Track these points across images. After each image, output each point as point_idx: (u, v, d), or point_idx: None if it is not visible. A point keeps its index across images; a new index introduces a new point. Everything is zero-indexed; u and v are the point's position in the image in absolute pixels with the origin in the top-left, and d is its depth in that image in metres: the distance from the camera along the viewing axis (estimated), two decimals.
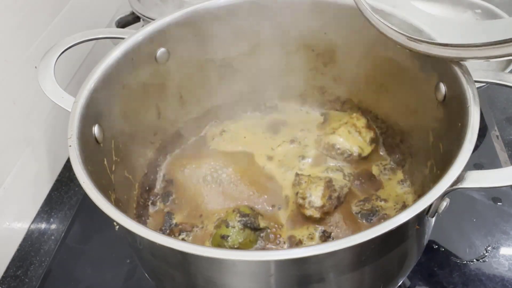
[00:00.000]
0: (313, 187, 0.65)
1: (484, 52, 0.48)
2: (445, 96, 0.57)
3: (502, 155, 0.79)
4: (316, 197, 0.64)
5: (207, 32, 0.69)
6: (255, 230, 0.62)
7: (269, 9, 0.69)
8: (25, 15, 0.72)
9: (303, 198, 0.64)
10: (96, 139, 0.56)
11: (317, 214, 0.63)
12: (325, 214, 0.64)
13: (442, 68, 0.56)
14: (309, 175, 0.68)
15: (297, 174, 0.69)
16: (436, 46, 0.52)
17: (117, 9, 1.04)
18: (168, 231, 0.66)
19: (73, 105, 0.54)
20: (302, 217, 0.65)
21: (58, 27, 0.81)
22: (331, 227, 0.64)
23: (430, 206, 0.44)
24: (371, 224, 0.64)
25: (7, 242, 0.72)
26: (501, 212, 0.71)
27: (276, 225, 0.64)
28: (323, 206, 0.64)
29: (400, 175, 0.70)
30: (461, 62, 0.53)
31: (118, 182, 0.61)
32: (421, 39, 0.53)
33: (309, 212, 0.64)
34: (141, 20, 0.88)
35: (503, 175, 0.45)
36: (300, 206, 0.65)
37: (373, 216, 0.64)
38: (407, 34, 0.54)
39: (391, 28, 0.55)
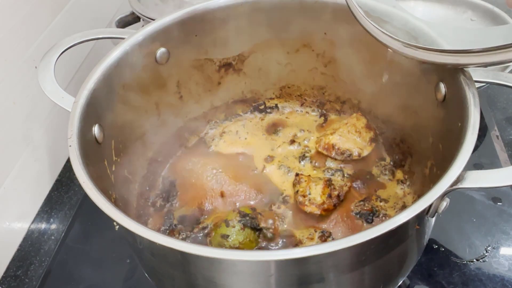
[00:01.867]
0: (313, 186, 0.65)
1: (483, 58, 0.48)
2: (445, 96, 0.57)
3: (502, 155, 0.79)
4: (316, 194, 0.64)
5: (207, 32, 0.69)
6: (255, 230, 0.62)
7: (269, 9, 0.69)
8: (25, 15, 0.73)
9: (303, 196, 0.65)
10: (96, 139, 0.56)
11: (317, 211, 0.64)
12: (325, 211, 0.64)
13: (442, 68, 0.56)
14: (309, 175, 0.68)
15: (297, 174, 0.69)
16: (433, 52, 0.52)
17: (117, 9, 1.04)
18: (168, 231, 0.66)
19: (73, 105, 0.54)
20: (302, 217, 0.65)
21: (58, 27, 0.81)
22: (331, 227, 0.64)
23: (430, 206, 0.44)
24: (371, 224, 0.64)
25: (7, 242, 0.72)
26: (501, 212, 0.71)
27: (276, 225, 0.64)
28: (323, 203, 0.64)
29: (400, 175, 0.70)
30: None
31: (118, 182, 0.61)
32: (417, 45, 0.53)
33: (309, 208, 0.64)
34: (141, 20, 0.88)
35: (503, 175, 0.45)
36: (300, 204, 0.65)
37: (373, 216, 0.64)
38: (403, 41, 0.54)
39: (387, 35, 0.55)
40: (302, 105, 0.81)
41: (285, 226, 0.65)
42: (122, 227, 0.44)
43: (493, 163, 0.77)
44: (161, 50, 0.66)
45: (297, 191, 0.66)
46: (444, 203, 0.46)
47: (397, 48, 0.55)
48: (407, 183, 0.68)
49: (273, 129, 0.79)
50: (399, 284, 0.58)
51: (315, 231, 0.63)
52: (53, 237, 0.74)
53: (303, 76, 0.77)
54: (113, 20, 0.90)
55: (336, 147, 0.71)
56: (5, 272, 0.70)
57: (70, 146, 0.50)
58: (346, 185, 0.67)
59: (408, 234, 0.49)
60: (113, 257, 0.70)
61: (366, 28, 0.57)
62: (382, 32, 0.56)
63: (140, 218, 0.67)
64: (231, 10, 0.68)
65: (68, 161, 0.73)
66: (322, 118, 0.79)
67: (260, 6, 0.69)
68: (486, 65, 0.49)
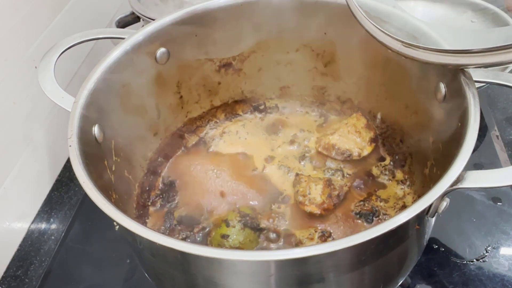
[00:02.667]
0: (313, 186, 0.65)
1: (483, 58, 0.48)
2: (445, 96, 0.57)
3: (502, 155, 0.79)
4: (316, 194, 0.64)
5: (207, 32, 0.69)
6: (255, 229, 0.62)
7: (269, 9, 0.69)
8: (25, 15, 0.73)
9: (303, 196, 0.65)
10: (96, 139, 0.56)
11: (317, 211, 0.64)
12: (325, 211, 0.64)
13: (442, 68, 0.56)
14: (309, 175, 0.68)
15: (297, 174, 0.69)
16: (433, 52, 0.51)
17: (117, 9, 1.04)
18: (168, 231, 0.66)
19: (73, 105, 0.54)
20: (303, 217, 0.65)
21: (58, 27, 0.81)
22: (331, 227, 0.64)
23: (430, 206, 0.44)
24: (371, 224, 0.64)
25: (7, 242, 0.72)
26: (501, 212, 0.71)
27: (276, 225, 0.64)
28: (323, 203, 0.64)
29: (400, 175, 0.70)
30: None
31: (118, 182, 0.61)
32: (417, 45, 0.52)
33: (309, 208, 0.64)
34: (141, 20, 0.88)
35: (503, 175, 0.45)
36: (300, 203, 0.65)
37: (373, 216, 0.64)
38: (403, 40, 0.54)
39: (387, 35, 0.55)
40: (302, 105, 0.81)
41: (285, 226, 0.64)
42: (122, 227, 0.44)
43: (493, 163, 0.77)
44: (161, 50, 0.66)
45: (297, 191, 0.66)
46: (444, 203, 0.46)
47: (397, 48, 0.55)
48: (407, 183, 0.68)
49: (273, 129, 0.79)
50: (399, 284, 0.59)
51: (315, 231, 0.63)
52: (53, 237, 0.74)
53: (303, 76, 0.77)
54: (113, 20, 0.90)
55: (336, 147, 0.71)
56: (5, 272, 0.70)
57: (70, 146, 0.50)
58: (346, 185, 0.67)
59: (408, 234, 0.49)
60: (113, 257, 0.70)
61: (366, 28, 0.58)
62: (382, 32, 0.56)
63: (140, 218, 0.67)
64: (231, 10, 0.68)
65: (68, 161, 0.73)
66: (322, 118, 0.79)
67: (260, 6, 0.69)
68: (486, 65, 0.49)
